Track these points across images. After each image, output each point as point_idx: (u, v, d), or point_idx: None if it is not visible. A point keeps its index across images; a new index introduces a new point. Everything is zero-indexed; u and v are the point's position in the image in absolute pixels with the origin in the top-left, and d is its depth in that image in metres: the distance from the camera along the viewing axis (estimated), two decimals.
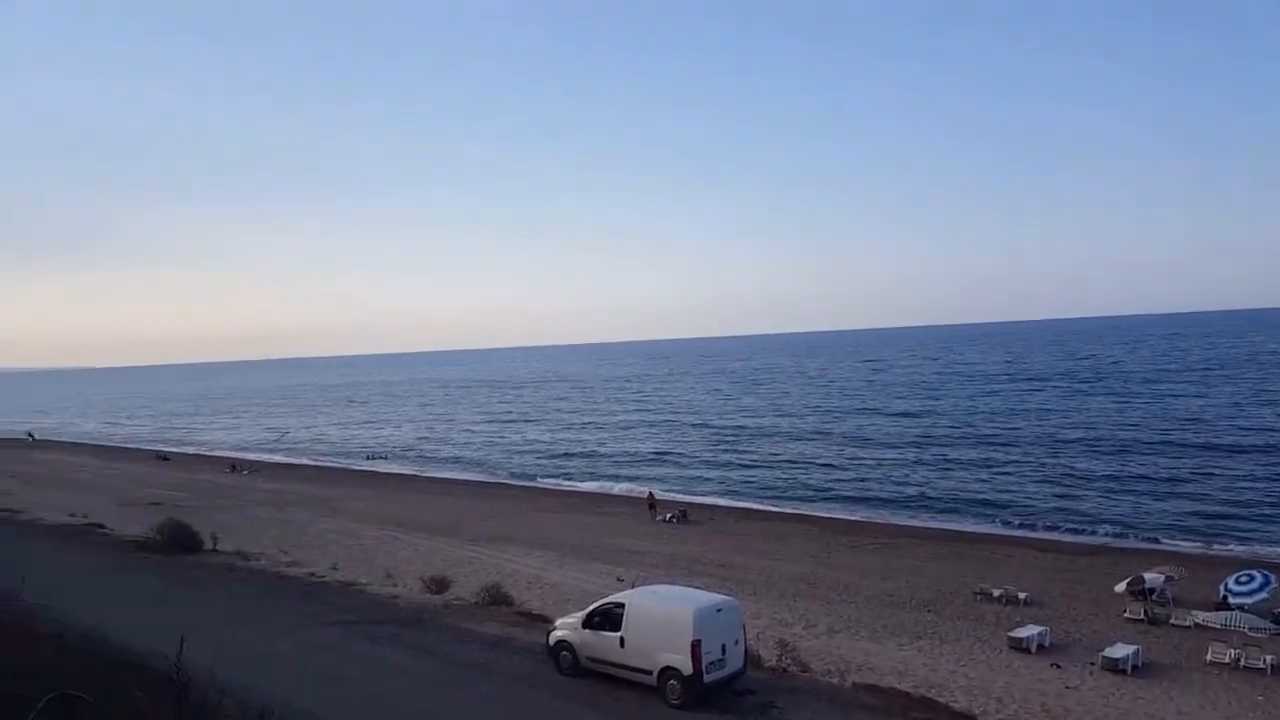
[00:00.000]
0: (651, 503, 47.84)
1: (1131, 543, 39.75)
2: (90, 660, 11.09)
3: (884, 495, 52.42)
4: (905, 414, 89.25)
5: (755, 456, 69.45)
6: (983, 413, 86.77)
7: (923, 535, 42.31)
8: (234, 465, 75.78)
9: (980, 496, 50.76)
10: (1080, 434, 69.81)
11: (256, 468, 75.19)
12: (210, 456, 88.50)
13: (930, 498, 51.19)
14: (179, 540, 33.75)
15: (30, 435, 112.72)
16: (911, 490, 53.31)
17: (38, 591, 15.95)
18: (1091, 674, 22.49)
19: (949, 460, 62.24)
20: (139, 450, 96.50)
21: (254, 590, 27.86)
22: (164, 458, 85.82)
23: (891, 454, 66.22)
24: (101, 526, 40.75)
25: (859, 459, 65.12)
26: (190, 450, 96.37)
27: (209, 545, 34.20)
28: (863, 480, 57.17)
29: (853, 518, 47.39)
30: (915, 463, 62.00)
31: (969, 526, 44.46)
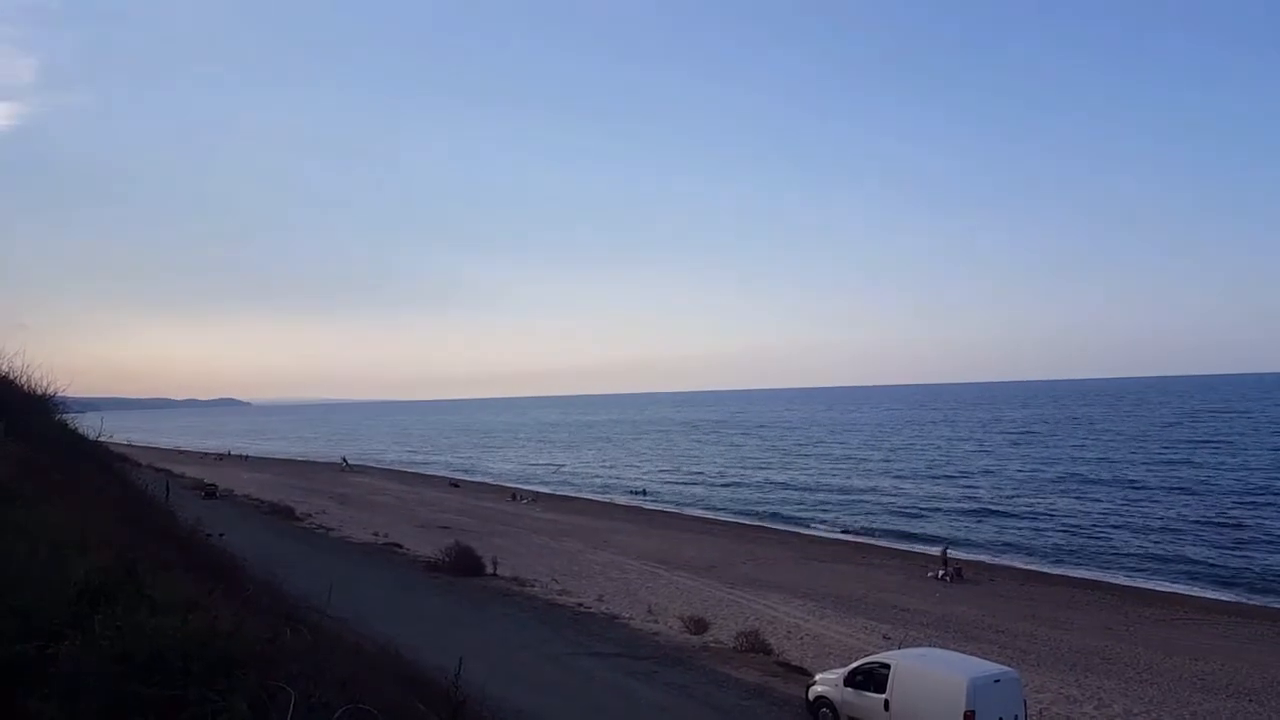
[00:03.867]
0: (945, 559, 44.77)
1: None
2: (381, 671, 12.03)
3: (1197, 565, 46.17)
4: (1219, 481, 78.47)
5: (1038, 513, 63.92)
6: None
7: (1244, 612, 36.82)
8: (514, 494, 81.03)
9: None
10: None
11: (534, 497, 79.88)
12: (494, 485, 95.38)
13: (1254, 570, 44.43)
14: (464, 563, 36.53)
15: (344, 460, 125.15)
16: (1230, 561, 46.54)
17: (342, 604, 17.64)
18: None
19: (1275, 529, 53.83)
20: (434, 476, 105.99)
21: (528, 616, 29.46)
22: (455, 484, 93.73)
23: (1205, 519, 58.35)
24: (399, 546, 44.97)
25: (1163, 522, 57.94)
26: (477, 478, 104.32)
27: (489, 569, 36.68)
28: (1168, 546, 50.66)
29: (1157, 588, 42.18)
30: (1234, 531, 54.13)
31: None
